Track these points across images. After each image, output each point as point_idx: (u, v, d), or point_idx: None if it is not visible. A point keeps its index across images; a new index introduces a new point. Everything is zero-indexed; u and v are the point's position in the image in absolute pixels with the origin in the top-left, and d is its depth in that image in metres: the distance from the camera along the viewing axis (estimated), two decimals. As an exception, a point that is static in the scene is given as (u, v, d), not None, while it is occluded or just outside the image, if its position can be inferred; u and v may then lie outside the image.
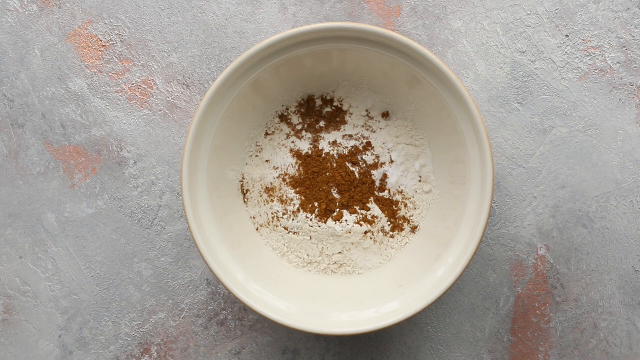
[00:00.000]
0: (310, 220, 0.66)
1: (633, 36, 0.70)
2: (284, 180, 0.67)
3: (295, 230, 0.66)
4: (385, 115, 0.68)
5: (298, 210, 0.66)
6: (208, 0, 0.71)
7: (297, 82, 0.66)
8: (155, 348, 0.69)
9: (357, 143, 0.67)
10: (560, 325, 0.68)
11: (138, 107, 0.70)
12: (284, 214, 0.66)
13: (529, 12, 0.70)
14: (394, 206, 0.67)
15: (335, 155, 0.67)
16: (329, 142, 0.67)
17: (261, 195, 0.67)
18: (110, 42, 0.71)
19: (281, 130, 0.68)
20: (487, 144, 0.59)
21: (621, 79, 0.69)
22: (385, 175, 0.67)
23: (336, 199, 0.66)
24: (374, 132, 0.68)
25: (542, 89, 0.70)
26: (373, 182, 0.67)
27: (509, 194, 0.69)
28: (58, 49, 0.71)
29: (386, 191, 0.67)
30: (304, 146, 0.67)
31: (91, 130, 0.70)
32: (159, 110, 0.70)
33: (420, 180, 0.67)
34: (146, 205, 0.69)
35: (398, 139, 0.67)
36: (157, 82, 0.70)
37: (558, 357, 0.68)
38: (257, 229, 0.67)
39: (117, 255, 0.69)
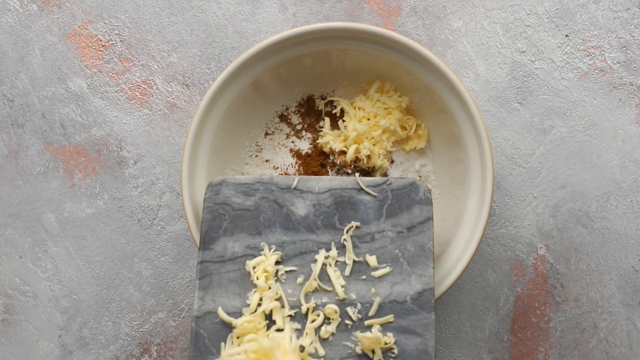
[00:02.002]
0: (310, 220, 0.66)
1: (633, 36, 0.70)
2: (284, 180, 0.67)
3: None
4: (385, 115, 0.68)
5: (298, 210, 0.66)
6: (208, 0, 0.71)
7: (297, 82, 0.66)
8: (155, 348, 0.69)
9: (357, 143, 0.67)
10: (560, 325, 0.68)
11: (138, 107, 0.70)
12: (284, 214, 0.66)
13: (529, 12, 0.70)
14: (394, 206, 0.67)
15: (335, 155, 0.67)
16: (329, 142, 0.67)
17: (261, 195, 0.67)
18: (110, 42, 0.71)
19: (281, 130, 0.68)
20: (487, 144, 0.59)
21: (621, 79, 0.69)
22: (385, 175, 0.67)
23: (336, 199, 0.66)
24: (374, 132, 0.68)
25: (542, 89, 0.70)
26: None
27: (509, 194, 0.69)
28: (58, 49, 0.71)
29: (386, 191, 0.67)
30: (304, 146, 0.67)
31: (91, 130, 0.70)
32: (159, 110, 0.70)
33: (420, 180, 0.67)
34: (146, 205, 0.69)
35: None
36: (157, 82, 0.70)
37: (558, 357, 0.68)
38: (257, 229, 0.67)
39: (117, 255, 0.69)
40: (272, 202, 0.56)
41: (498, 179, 0.69)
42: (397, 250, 0.55)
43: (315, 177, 0.58)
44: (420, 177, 0.67)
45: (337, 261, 0.55)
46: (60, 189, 0.70)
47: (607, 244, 0.68)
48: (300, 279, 0.55)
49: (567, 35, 0.70)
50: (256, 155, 0.67)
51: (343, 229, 0.56)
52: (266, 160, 0.67)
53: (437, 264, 0.62)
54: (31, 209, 0.70)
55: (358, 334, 0.53)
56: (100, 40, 0.71)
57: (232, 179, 0.57)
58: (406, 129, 0.66)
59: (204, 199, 0.57)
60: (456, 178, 0.64)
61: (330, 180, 0.57)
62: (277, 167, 0.67)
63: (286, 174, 0.67)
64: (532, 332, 0.68)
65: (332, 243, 0.56)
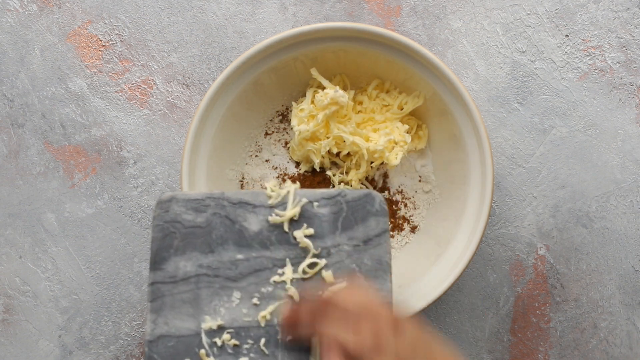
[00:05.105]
0: (310, 220, 0.66)
1: (633, 36, 0.70)
2: (283, 180, 0.67)
3: (295, 230, 0.66)
4: (385, 115, 0.68)
5: (298, 210, 0.66)
6: (208, 0, 0.71)
7: (297, 82, 0.66)
8: (155, 348, 0.69)
9: (357, 143, 0.67)
10: (560, 325, 0.68)
11: (138, 107, 0.70)
12: (284, 214, 0.66)
13: (529, 12, 0.70)
14: (394, 206, 0.67)
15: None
16: (329, 142, 0.67)
17: (261, 195, 0.67)
18: (110, 42, 0.71)
19: (281, 130, 0.68)
20: (487, 144, 0.59)
21: (621, 79, 0.69)
22: (385, 175, 0.67)
23: (336, 199, 0.66)
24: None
25: (542, 89, 0.70)
26: (374, 181, 0.67)
27: (509, 194, 0.69)
28: (58, 49, 0.71)
29: (386, 191, 0.67)
30: (304, 146, 0.67)
31: (91, 130, 0.70)
32: (159, 110, 0.70)
33: (420, 180, 0.67)
34: (146, 205, 0.69)
35: (398, 139, 0.67)
36: (157, 82, 0.70)
37: (558, 357, 0.68)
38: (257, 229, 0.67)
39: (117, 255, 0.69)
40: (224, 218, 0.54)
41: (498, 179, 0.69)
42: (354, 265, 0.54)
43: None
44: (420, 177, 0.67)
45: (292, 279, 0.53)
46: (60, 189, 0.70)
47: (607, 244, 0.68)
48: (255, 300, 0.53)
49: (567, 35, 0.70)
50: (256, 155, 0.67)
51: (298, 244, 0.54)
52: (266, 160, 0.67)
53: (437, 264, 0.62)
54: (31, 209, 0.70)
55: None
56: (100, 40, 0.71)
57: (181, 194, 0.55)
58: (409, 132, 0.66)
59: (153, 217, 0.54)
60: (456, 178, 0.64)
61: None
62: (277, 167, 0.67)
63: (285, 174, 0.67)
64: (532, 332, 0.68)
65: (287, 259, 0.54)
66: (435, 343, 0.47)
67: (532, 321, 0.68)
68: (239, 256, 0.54)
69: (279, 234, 0.55)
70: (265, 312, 0.53)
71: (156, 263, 0.54)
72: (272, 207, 0.55)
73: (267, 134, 0.68)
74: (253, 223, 0.55)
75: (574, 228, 0.69)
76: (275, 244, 0.54)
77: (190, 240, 0.54)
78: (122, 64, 0.70)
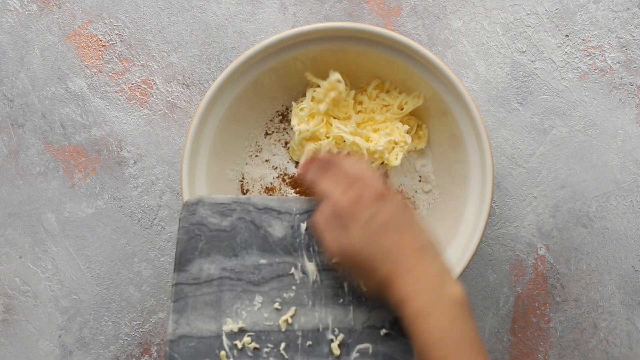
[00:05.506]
0: (310, 220, 0.66)
1: (633, 36, 0.70)
2: (283, 180, 0.67)
3: (295, 230, 0.66)
4: (385, 115, 0.68)
5: (298, 210, 0.66)
6: (208, 0, 0.71)
7: (297, 82, 0.66)
8: (155, 348, 0.69)
9: (357, 143, 0.67)
10: (560, 325, 0.68)
11: (138, 107, 0.70)
12: (284, 214, 0.66)
13: (529, 12, 0.70)
14: (394, 206, 0.66)
15: (335, 155, 0.67)
16: (329, 142, 0.67)
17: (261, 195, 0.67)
18: (110, 42, 0.71)
19: (281, 130, 0.68)
20: (487, 144, 0.59)
21: (621, 79, 0.70)
22: (385, 175, 0.67)
23: (336, 199, 0.66)
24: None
25: (542, 89, 0.70)
26: (373, 182, 0.67)
27: (509, 194, 0.69)
28: (58, 49, 0.71)
29: (386, 191, 0.67)
30: (304, 146, 0.67)
31: (91, 130, 0.70)
32: (159, 110, 0.70)
33: (420, 180, 0.67)
34: (146, 205, 0.69)
35: (398, 139, 0.67)
36: (157, 82, 0.70)
37: (558, 357, 0.68)
38: (257, 229, 0.67)
39: (117, 255, 0.69)
40: (248, 223, 0.55)
41: (498, 179, 0.69)
42: None
43: (294, 197, 0.57)
44: (420, 177, 0.67)
45: (314, 282, 0.54)
46: (60, 189, 0.70)
47: (607, 244, 0.69)
48: (276, 304, 0.53)
49: (567, 35, 0.70)
50: (256, 155, 0.67)
51: (320, 251, 0.54)
52: (266, 160, 0.67)
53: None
54: (31, 209, 0.70)
55: None
56: (100, 40, 0.71)
57: (208, 198, 0.56)
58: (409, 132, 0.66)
59: (179, 219, 0.55)
60: (456, 178, 0.64)
61: (308, 202, 0.56)
62: (277, 167, 0.67)
63: (285, 174, 0.67)
64: (532, 332, 0.68)
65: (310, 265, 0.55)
66: (410, 223, 0.50)
67: (532, 321, 0.68)
68: (262, 261, 0.54)
69: (303, 241, 0.55)
70: (286, 317, 0.53)
71: (180, 264, 0.54)
72: (297, 214, 0.56)
73: (267, 134, 0.68)
74: (278, 229, 0.55)
75: (574, 228, 0.69)
76: (298, 250, 0.55)
77: (214, 244, 0.55)
78: (122, 64, 0.70)
